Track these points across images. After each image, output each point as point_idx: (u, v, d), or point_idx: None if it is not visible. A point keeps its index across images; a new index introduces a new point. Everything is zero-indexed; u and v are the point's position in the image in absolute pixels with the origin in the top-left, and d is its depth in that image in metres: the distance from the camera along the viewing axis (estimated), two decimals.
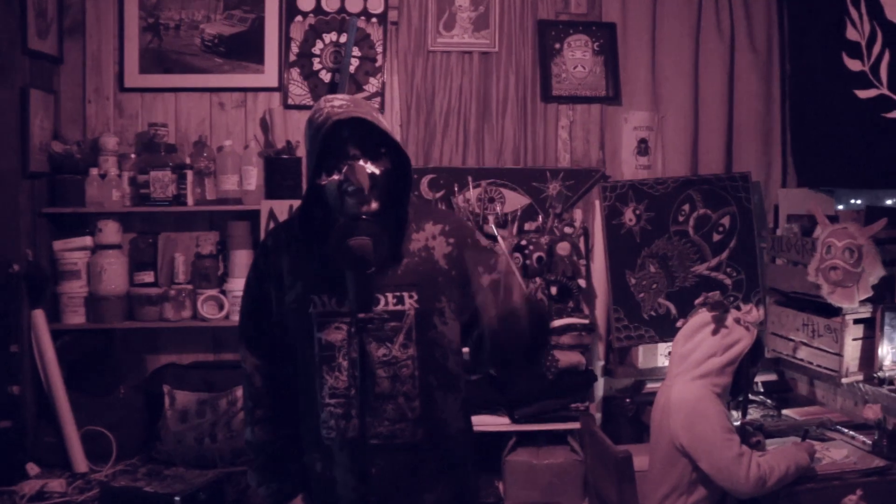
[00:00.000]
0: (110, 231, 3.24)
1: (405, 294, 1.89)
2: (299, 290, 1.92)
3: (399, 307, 1.88)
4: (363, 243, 1.76)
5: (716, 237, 3.52)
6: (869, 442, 2.77)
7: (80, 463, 2.97)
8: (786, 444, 2.69)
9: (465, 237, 1.97)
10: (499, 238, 3.30)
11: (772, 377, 3.49)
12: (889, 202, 3.37)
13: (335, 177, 1.82)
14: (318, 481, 1.97)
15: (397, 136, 1.93)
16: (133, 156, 3.31)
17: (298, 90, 3.48)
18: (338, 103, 1.86)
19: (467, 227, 2.04)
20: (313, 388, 1.92)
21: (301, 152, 3.35)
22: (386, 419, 1.87)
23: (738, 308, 2.72)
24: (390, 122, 3.49)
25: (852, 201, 3.49)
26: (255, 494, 2.10)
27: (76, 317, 3.24)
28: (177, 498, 2.46)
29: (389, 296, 1.88)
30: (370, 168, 1.82)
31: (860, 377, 3.01)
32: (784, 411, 3.21)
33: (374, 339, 1.86)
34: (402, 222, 1.93)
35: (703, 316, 2.67)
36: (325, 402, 1.90)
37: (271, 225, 3.24)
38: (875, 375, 2.97)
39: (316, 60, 3.49)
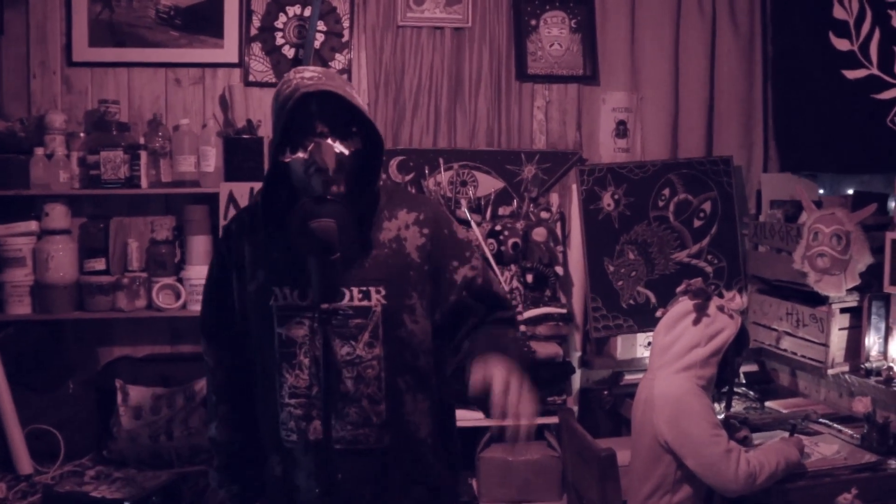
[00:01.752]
0: (58, 215, 3.04)
1: (372, 289, 1.74)
2: (260, 281, 1.78)
3: (365, 303, 1.73)
4: (327, 226, 1.60)
5: (696, 223, 3.40)
6: (857, 435, 2.68)
7: (25, 464, 2.77)
8: (773, 440, 2.57)
9: (442, 228, 1.82)
10: (472, 223, 3.16)
11: (753, 368, 3.38)
12: (850, 190, 3.27)
13: (300, 154, 1.67)
14: (278, 486, 1.83)
15: (370, 114, 1.75)
16: (82, 134, 3.11)
17: (260, 66, 3.28)
18: (308, 75, 1.70)
19: (444, 215, 1.88)
20: (273, 386, 1.78)
21: (263, 132, 3.17)
22: (349, 423, 1.73)
23: (721, 295, 2.60)
24: None
25: (821, 191, 3.38)
26: (215, 495, 1.95)
27: (21, 307, 3.04)
28: (126, 503, 2.28)
29: (355, 290, 1.73)
30: (338, 147, 1.67)
31: (846, 368, 2.92)
32: (767, 403, 3.10)
33: (337, 336, 1.72)
34: (371, 208, 1.78)
35: (684, 305, 2.55)
36: (285, 401, 1.76)
37: (231, 208, 3.07)
38: (862, 366, 2.88)
39: (279, 35, 3.29)
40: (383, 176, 3.14)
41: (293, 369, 1.74)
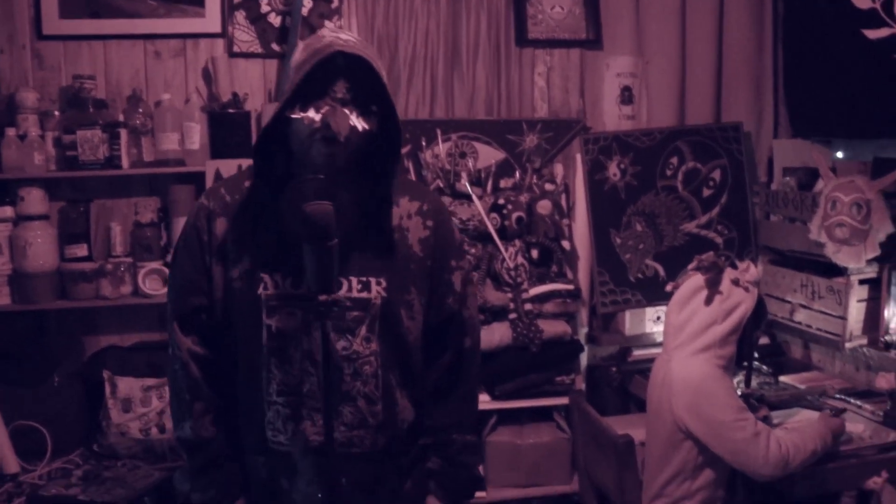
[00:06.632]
0: (34, 199, 2.86)
1: (372, 280, 1.60)
2: (246, 266, 1.62)
3: (364, 294, 1.60)
4: (323, 209, 1.44)
5: (706, 192, 3.27)
6: (879, 412, 2.58)
7: (11, 463, 2.64)
8: (811, 421, 2.46)
9: (444, 222, 1.72)
10: (473, 197, 3.02)
11: (764, 340, 3.27)
12: (840, 154, 3.14)
13: (311, 114, 1.51)
14: (264, 489, 1.70)
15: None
16: (57, 113, 2.92)
17: (244, 36, 3.09)
18: (345, 36, 1.55)
19: (445, 207, 1.79)
20: (258, 382, 1.63)
21: (250, 105, 3.01)
22: (342, 423, 1.61)
23: (734, 266, 2.45)
24: None
25: (839, 154, 3.24)
26: (187, 500, 1.78)
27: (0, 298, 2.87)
28: None
29: (354, 280, 1.60)
30: (354, 120, 1.51)
31: (864, 341, 2.82)
32: (781, 378, 3.00)
33: (333, 329, 1.58)
34: (385, 202, 1.63)
35: (696, 279, 2.41)
36: (272, 399, 1.62)
37: None
38: (881, 340, 2.77)
39: (264, 2, 3.10)
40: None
41: (283, 364, 1.61)
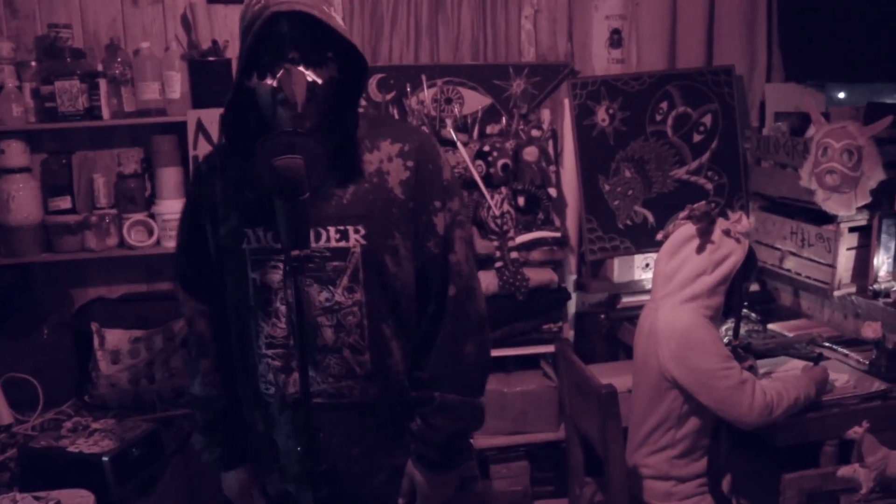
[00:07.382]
0: (15, 152, 2.82)
1: (350, 228, 1.58)
2: (233, 223, 1.63)
3: (343, 244, 1.58)
4: (293, 164, 1.42)
5: (696, 137, 3.21)
6: (865, 361, 2.58)
7: (3, 414, 2.66)
8: (796, 369, 2.46)
9: (427, 161, 1.63)
10: (458, 144, 2.97)
11: (754, 288, 3.26)
12: (842, 95, 3.07)
13: (269, 81, 1.48)
14: (263, 443, 1.73)
15: (349, 34, 1.54)
16: (34, 63, 2.86)
17: None
18: None
19: (432, 147, 1.67)
20: (249, 336, 1.66)
21: (231, 53, 2.94)
22: (330, 375, 1.61)
23: (725, 216, 2.43)
24: None
25: (841, 94, 3.17)
26: (199, 457, 1.85)
27: None
28: (104, 458, 2.16)
29: (332, 230, 1.58)
30: (311, 76, 1.48)
31: (853, 289, 2.81)
32: (770, 326, 3.00)
33: (315, 280, 1.58)
34: (349, 138, 1.60)
35: (686, 229, 2.39)
36: (262, 352, 1.64)
37: (200, 137, 2.88)
38: (870, 288, 2.76)
39: None
40: (363, 103, 2.94)
41: (269, 317, 1.62)
